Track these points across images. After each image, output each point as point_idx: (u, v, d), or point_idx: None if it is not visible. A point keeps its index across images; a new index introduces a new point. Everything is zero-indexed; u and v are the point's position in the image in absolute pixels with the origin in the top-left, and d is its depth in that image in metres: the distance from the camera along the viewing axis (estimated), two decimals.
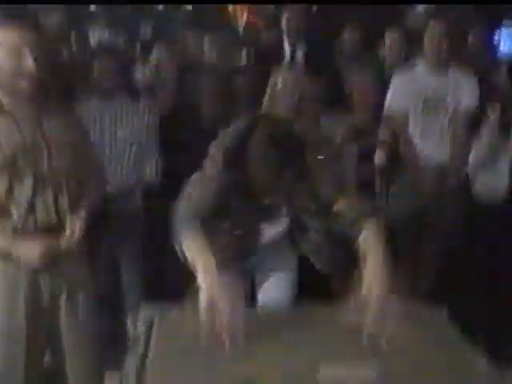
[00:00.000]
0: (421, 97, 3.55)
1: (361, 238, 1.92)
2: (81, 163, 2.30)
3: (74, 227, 2.24)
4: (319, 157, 1.96)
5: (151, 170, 3.62)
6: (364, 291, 1.80)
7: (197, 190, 1.95)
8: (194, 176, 2.01)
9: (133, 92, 3.83)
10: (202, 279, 1.74)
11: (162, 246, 3.61)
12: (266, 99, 3.20)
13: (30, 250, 2.16)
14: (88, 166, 2.38)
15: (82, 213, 2.29)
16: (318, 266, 2.25)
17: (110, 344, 3.43)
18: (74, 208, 2.26)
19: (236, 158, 1.88)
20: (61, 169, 2.20)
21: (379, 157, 3.39)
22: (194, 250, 1.81)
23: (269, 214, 2.10)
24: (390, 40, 4.25)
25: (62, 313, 2.31)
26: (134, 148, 3.52)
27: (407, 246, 3.69)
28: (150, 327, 1.88)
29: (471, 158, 3.54)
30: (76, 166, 2.27)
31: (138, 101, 3.68)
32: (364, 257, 1.88)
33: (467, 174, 3.60)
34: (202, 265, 1.77)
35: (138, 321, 1.92)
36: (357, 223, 1.93)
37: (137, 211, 3.59)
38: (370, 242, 1.90)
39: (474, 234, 3.53)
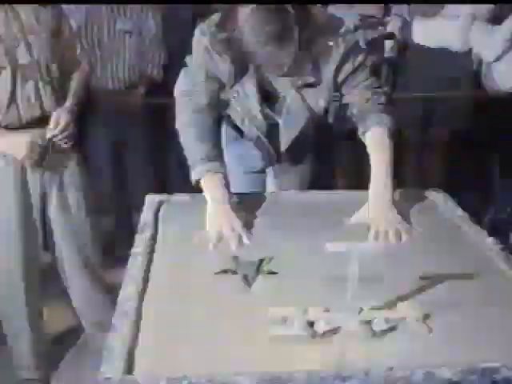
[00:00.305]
0: None
1: (368, 135, 1.86)
2: (63, 55, 2.25)
3: (59, 118, 2.20)
4: (329, 43, 1.80)
5: (153, 65, 3.55)
6: (370, 194, 1.78)
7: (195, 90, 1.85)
8: (182, 85, 1.90)
9: None
10: (210, 218, 1.71)
11: (164, 143, 3.67)
12: None
13: (16, 145, 2.14)
14: (71, 57, 2.33)
15: (67, 104, 2.26)
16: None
17: (117, 240, 3.53)
18: (57, 100, 2.22)
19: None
20: (41, 60, 2.15)
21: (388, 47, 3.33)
22: (207, 187, 1.76)
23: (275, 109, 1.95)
24: None
25: (53, 209, 2.32)
26: (133, 40, 3.43)
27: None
28: (156, 211, 1.89)
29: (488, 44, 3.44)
30: (58, 57, 2.22)
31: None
32: (370, 154, 1.84)
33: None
34: (214, 207, 1.73)
35: (145, 206, 1.91)
36: (367, 118, 1.86)
37: (137, 108, 3.54)
38: (377, 142, 1.84)
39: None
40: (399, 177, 3.67)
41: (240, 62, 1.77)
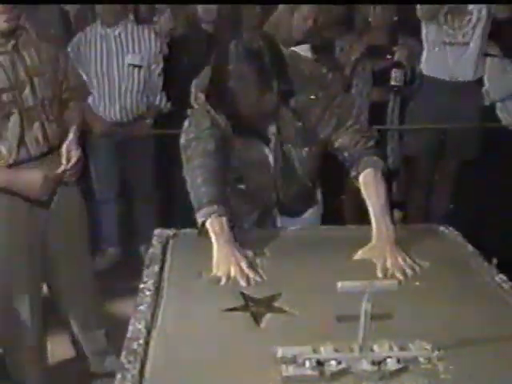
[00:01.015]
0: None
1: (361, 178, 1.87)
2: (61, 85, 2.28)
3: (70, 153, 2.22)
4: (311, 97, 1.89)
5: (161, 97, 3.59)
6: (373, 236, 1.79)
7: (197, 149, 1.86)
8: (188, 133, 1.92)
9: (139, 16, 3.75)
10: (217, 262, 1.70)
11: (173, 174, 3.68)
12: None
13: (28, 183, 2.14)
14: (68, 85, 2.34)
15: (72, 137, 2.27)
16: None
17: (125, 272, 3.52)
18: (61, 133, 2.25)
19: (219, 87, 1.76)
20: (45, 99, 2.18)
21: (396, 76, 3.34)
22: (213, 230, 1.74)
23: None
24: None
25: (56, 240, 2.33)
26: (142, 74, 3.47)
27: (423, 170, 3.69)
28: (165, 245, 1.88)
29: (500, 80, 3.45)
30: (58, 90, 2.25)
31: (145, 25, 3.62)
32: (366, 197, 1.85)
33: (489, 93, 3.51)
34: (220, 249, 1.71)
35: (153, 239, 1.91)
36: (358, 161, 1.88)
37: (148, 138, 3.58)
38: (371, 185, 1.85)
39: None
40: (413, 211, 3.70)
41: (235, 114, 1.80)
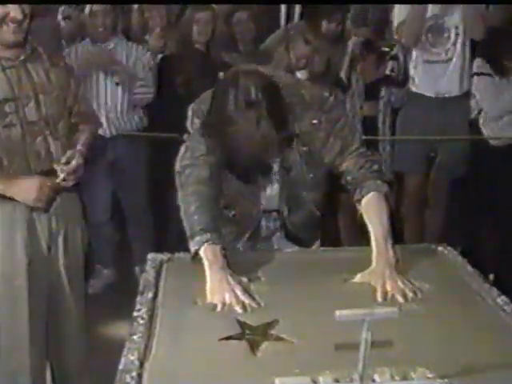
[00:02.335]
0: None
1: (363, 202, 1.86)
2: (70, 109, 2.28)
3: (71, 158, 2.18)
4: (314, 121, 1.88)
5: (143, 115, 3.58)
6: (373, 260, 1.77)
7: (192, 175, 1.85)
8: (183, 159, 1.91)
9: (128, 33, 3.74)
10: (211, 290, 1.67)
11: (166, 197, 3.65)
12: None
13: (25, 189, 2.12)
14: (80, 110, 2.34)
15: (79, 147, 2.25)
16: None
17: (120, 292, 3.47)
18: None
19: (216, 120, 1.76)
20: (50, 116, 2.18)
21: (392, 67, 3.38)
22: (206, 257, 1.72)
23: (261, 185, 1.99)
24: None
25: (60, 253, 2.29)
26: (126, 91, 3.45)
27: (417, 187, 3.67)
28: (159, 270, 1.84)
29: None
30: (66, 113, 2.25)
31: (136, 42, 3.63)
32: (367, 220, 1.83)
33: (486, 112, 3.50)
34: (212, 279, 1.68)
35: (147, 265, 1.87)
36: (362, 185, 1.87)
37: (141, 156, 3.57)
38: (373, 208, 1.84)
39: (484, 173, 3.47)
40: (410, 231, 3.68)
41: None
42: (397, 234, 3.62)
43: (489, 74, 3.42)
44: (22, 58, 2.13)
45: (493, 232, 3.73)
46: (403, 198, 3.76)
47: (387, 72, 3.57)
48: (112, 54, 3.44)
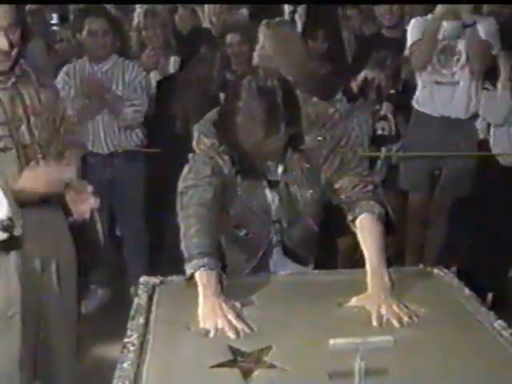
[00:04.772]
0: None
1: (357, 223, 1.84)
2: (59, 131, 2.26)
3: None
4: (319, 138, 1.87)
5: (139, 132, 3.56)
6: (368, 283, 1.74)
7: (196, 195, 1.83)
8: (186, 180, 1.89)
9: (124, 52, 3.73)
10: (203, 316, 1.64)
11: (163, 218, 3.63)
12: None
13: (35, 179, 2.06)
14: (68, 133, 2.32)
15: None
16: None
17: (114, 313, 3.44)
18: None
19: (226, 123, 1.73)
20: (42, 139, 2.16)
21: (383, 127, 3.39)
22: (201, 282, 1.70)
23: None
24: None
25: (53, 275, 2.26)
26: (130, 109, 3.45)
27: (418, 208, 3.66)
28: (151, 294, 1.82)
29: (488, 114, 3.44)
30: (57, 135, 2.24)
31: (132, 60, 3.62)
32: (362, 242, 1.82)
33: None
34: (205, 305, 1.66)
35: (139, 288, 1.84)
36: (355, 205, 1.85)
37: (139, 175, 3.56)
38: (367, 230, 1.82)
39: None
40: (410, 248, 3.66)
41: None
42: (397, 253, 3.67)
43: (487, 88, 3.42)
44: (13, 80, 2.12)
45: (492, 251, 3.70)
46: (405, 217, 3.73)
47: (379, 132, 3.60)
48: (102, 82, 3.43)
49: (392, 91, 3.62)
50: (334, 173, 1.89)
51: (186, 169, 1.92)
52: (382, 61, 3.66)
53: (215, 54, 3.70)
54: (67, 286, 2.34)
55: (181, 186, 1.89)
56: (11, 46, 2.02)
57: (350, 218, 1.87)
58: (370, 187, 1.89)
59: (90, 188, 2.16)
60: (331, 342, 1.18)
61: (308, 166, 1.90)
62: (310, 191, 1.95)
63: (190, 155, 1.93)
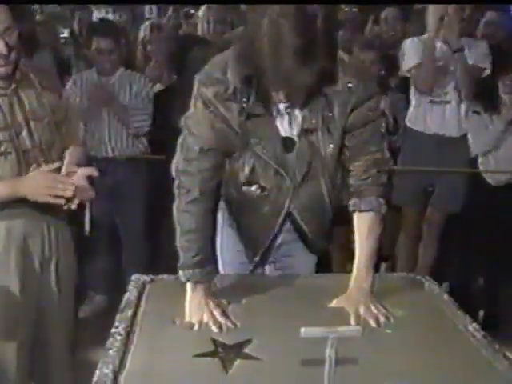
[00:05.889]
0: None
1: (359, 216, 1.82)
2: (62, 138, 2.27)
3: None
4: (349, 84, 1.72)
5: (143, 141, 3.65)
6: (352, 280, 1.79)
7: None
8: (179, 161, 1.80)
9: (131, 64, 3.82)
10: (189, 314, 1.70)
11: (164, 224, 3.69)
12: None
13: (34, 183, 2.06)
14: (69, 139, 2.33)
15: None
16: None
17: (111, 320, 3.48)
18: None
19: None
20: (43, 143, 2.17)
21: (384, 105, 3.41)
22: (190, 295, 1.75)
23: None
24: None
25: (52, 277, 2.29)
26: (135, 118, 3.54)
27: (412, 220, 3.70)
28: (141, 290, 1.88)
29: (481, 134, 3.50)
30: (58, 139, 2.24)
31: (138, 72, 3.72)
32: (358, 237, 1.82)
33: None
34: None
35: (130, 285, 1.92)
36: (361, 195, 1.81)
37: (141, 181, 3.64)
38: (364, 230, 1.81)
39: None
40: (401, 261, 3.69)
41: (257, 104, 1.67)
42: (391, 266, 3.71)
43: (477, 112, 3.49)
44: (14, 86, 2.12)
45: (485, 269, 3.76)
46: (398, 232, 3.78)
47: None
48: (111, 93, 3.53)
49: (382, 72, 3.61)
50: (354, 148, 1.80)
51: (178, 148, 1.83)
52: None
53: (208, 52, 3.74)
54: (66, 287, 2.37)
55: (174, 169, 1.83)
56: (9, 49, 2.03)
57: (351, 207, 1.83)
58: (383, 179, 1.82)
59: (75, 168, 2.13)
60: (302, 330, 1.24)
61: (330, 114, 1.74)
62: (331, 146, 1.79)
63: (182, 121, 1.83)
